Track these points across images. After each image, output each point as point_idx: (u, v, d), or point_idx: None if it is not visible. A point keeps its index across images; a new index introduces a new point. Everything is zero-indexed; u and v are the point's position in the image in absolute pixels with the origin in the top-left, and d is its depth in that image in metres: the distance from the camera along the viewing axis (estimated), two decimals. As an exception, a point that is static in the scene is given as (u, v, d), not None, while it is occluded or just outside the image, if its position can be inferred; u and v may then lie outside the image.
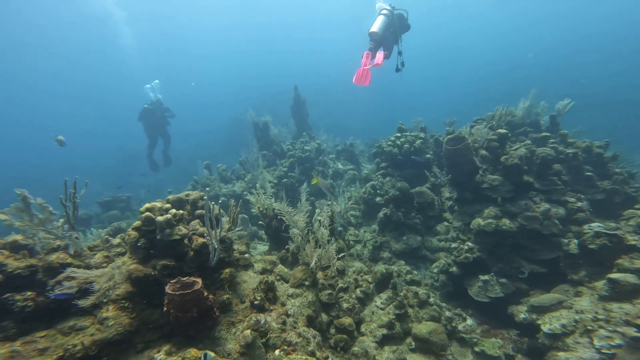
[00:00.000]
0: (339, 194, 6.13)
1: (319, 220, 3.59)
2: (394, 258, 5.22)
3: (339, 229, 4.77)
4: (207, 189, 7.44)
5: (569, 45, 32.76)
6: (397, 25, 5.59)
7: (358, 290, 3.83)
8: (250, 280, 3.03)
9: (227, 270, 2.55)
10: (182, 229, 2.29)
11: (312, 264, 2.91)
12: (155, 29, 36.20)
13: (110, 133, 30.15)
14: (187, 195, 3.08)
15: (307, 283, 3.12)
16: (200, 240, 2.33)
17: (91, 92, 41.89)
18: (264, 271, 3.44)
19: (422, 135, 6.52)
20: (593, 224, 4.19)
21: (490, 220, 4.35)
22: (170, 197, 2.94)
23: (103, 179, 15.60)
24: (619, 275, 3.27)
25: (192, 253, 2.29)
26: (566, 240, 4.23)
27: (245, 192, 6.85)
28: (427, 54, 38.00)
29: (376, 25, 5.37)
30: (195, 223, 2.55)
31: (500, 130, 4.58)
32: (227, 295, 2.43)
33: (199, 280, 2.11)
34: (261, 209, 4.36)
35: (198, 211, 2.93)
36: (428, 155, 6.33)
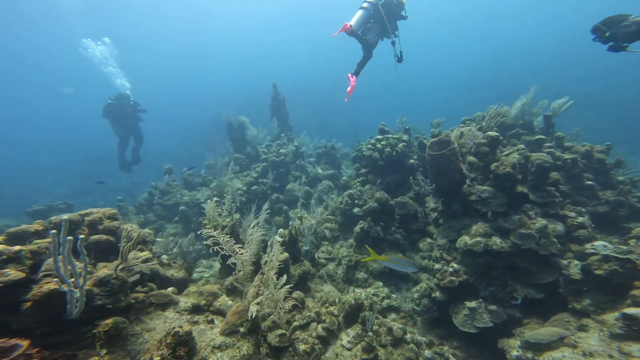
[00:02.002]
0: (314, 205, 5.43)
1: (273, 247, 2.89)
2: (370, 279, 4.56)
3: (305, 248, 4.07)
4: (167, 195, 6.66)
5: (562, 44, 32.63)
6: (382, 15, 5.09)
7: (320, 327, 3.14)
8: (162, 326, 2.30)
9: (109, 320, 1.83)
10: (9, 273, 1.57)
11: (251, 312, 2.20)
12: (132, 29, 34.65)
13: (80, 129, 28.43)
14: (84, 215, 2.34)
15: (242, 330, 2.41)
16: (48, 286, 1.62)
17: (59, 84, 39.43)
18: (195, 309, 2.71)
19: (405, 137, 5.89)
20: (597, 243, 3.59)
21: (478, 239, 3.72)
22: (54, 218, 2.20)
23: (67, 180, 14.50)
24: (638, 310, 2.66)
25: (29, 305, 1.58)
26: (566, 262, 3.62)
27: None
28: (423, 51, 37.56)
29: (352, 21, 5.04)
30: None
31: (490, 132, 3.96)
32: (98, 358, 1.71)
33: (25, 342, 1.40)
34: (209, 226, 3.64)
35: (95, 237, 2.19)
36: (412, 161, 5.69)
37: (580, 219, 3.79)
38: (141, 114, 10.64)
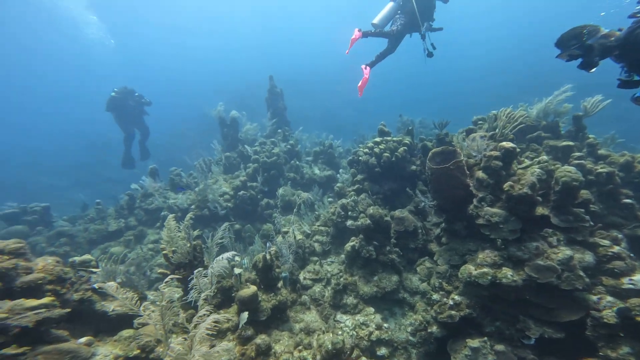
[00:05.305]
0: (293, 219, 4.93)
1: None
2: (361, 304, 4.08)
3: (283, 275, 3.61)
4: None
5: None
6: (412, 6, 4.80)
7: (291, 377, 2.71)
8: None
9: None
10: None
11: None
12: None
13: (79, 121, 27.86)
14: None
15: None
16: None
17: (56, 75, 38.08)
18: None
19: (407, 140, 5.20)
20: (637, 277, 2.94)
21: (485, 270, 3.13)
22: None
23: (72, 173, 14.38)
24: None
25: None
26: (595, 298, 2.99)
27: (193, 207, 5.71)
28: (444, 40, 34.51)
29: (378, 17, 5.10)
30: None
31: (505, 144, 3.25)
32: None
33: None
34: (166, 251, 3.19)
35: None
36: (414, 167, 5.03)
37: (616, 248, 3.10)
38: (146, 107, 10.27)
